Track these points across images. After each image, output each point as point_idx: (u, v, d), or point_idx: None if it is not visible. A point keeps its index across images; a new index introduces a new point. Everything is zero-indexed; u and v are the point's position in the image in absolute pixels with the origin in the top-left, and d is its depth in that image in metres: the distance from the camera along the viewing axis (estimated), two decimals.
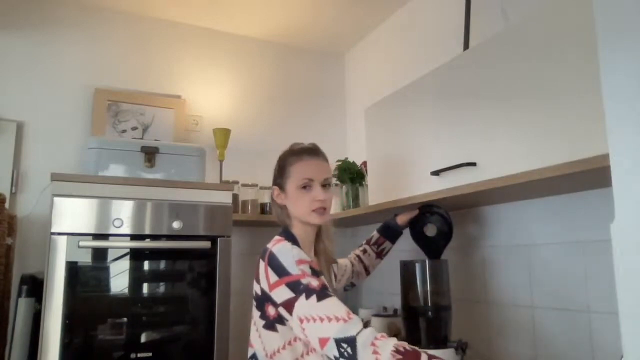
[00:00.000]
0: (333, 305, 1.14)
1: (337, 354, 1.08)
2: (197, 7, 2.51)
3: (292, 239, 1.33)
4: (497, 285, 1.69)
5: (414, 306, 1.55)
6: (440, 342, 1.49)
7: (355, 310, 2.35)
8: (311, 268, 1.22)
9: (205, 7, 2.51)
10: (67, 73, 2.36)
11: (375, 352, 1.05)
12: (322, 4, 2.48)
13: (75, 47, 2.40)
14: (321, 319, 1.12)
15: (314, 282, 1.17)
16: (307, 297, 1.15)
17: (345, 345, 1.07)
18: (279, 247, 1.27)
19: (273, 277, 1.21)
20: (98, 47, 2.45)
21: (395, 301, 2.06)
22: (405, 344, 1.08)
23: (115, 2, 2.45)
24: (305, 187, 1.34)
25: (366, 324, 1.15)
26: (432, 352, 1.10)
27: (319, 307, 1.13)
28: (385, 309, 2.17)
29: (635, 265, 0.69)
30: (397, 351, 1.05)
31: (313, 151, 1.41)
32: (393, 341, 1.08)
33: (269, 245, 1.30)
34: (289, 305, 1.17)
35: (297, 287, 1.17)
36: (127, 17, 2.53)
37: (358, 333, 1.08)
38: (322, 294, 1.15)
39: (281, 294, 1.19)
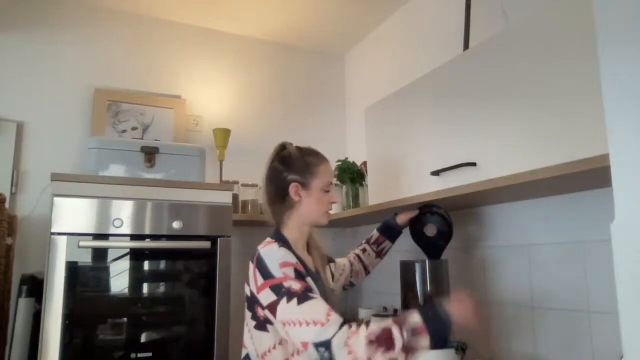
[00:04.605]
0: (312, 308, 1.15)
1: (317, 357, 1.12)
2: (197, 7, 2.51)
3: (283, 241, 1.34)
4: (497, 285, 1.69)
5: (414, 306, 1.55)
6: None
7: (355, 311, 2.35)
8: (296, 271, 1.22)
9: (205, 7, 2.51)
10: (67, 73, 2.36)
11: (350, 352, 1.08)
12: (322, 4, 2.48)
13: (75, 47, 2.40)
14: (300, 323, 1.14)
15: (295, 285, 1.18)
16: (288, 300, 1.17)
17: (322, 349, 1.11)
18: (266, 249, 1.29)
19: (260, 280, 1.24)
20: (98, 47, 2.45)
21: (395, 301, 2.06)
22: (374, 328, 1.10)
23: (115, 2, 2.45)
24: (327, 190, 1.41)
25: (363, 321, 1.16)
26: (398, 317, 1.14)
27: (298, 311, 1.15)
28: (385, 309, 2.17)
29: (635, 265, 0.69)
30: (369, 343, 1.08)
31: (324, 156, 1.46)
32: (363, 334, 1.09)
33: (259, 247, 1.32)
34: (272, 308, 1.20)
35: (279, 290, 1.19)
36: (127, 17, 2.53)
37: (333, 336, 1.10)
38: (302, 296, 1.17)
39: (266, 296, 1.21)
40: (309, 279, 1.25)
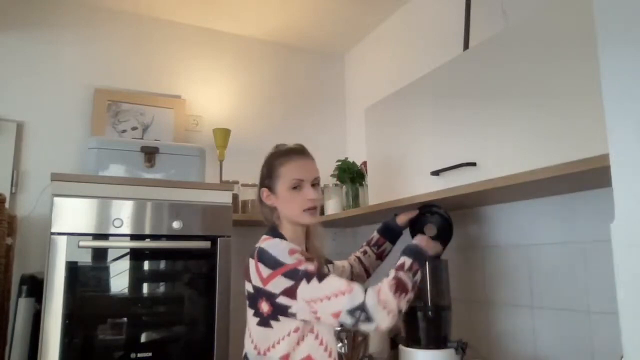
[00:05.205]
0: (334, 282, 1.22)
1: (353, 321, 1.19)
2: (197, 7, 2.51)
3: (281, 237, 1.35)
4: (497, 285, 1.69)
5: (413, 306, 1.55)
6: (440, 342, 1.48)
7: None
8: (303, 256, 1.27)
9: (205, 7, 2.51)
10: (67, 73, 2.36)
11: (385, 307, 1.19)
12: (322, 4, 2.48)
13: (75, 47, 2.40)
14: (328, 297, 1.20)
15: (311, 267, 1.24)
16: (308, 281, 1.21)
17: (358, 313, 1.18)
18: (269, 243, 1.30)
19: (266, 271, 1.25)
20: (98, 47, 2.45)
21: None
22: (389, 282, 1.23)
23: (115, 2, 2.45)
24: (296, 187, 1.36)
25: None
26: (396, 265, 1.31)
27: (322, 288, 1.21)
28: None
29: (635, 265, 0.69)
30: (394, 294, 1.21)
31: (301, 151, 1.42)
32: (386, 289, 1.21)
33: (258, 244, 1.33)
34: (290, 292, 1.22)
35: (295, 275, 1.22)
36: (127, 17, 2.53)
37: (364, 298, 1.19)
38: (320, 275, 1.23)
39: (279, 284, 1.23)
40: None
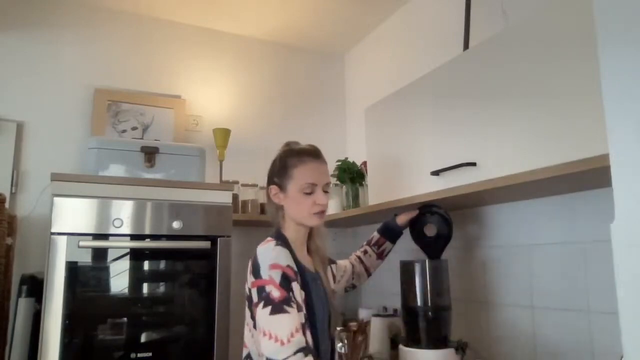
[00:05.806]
0: (280, 322, 1.17)
1: None
2: (197, 7, 2.51)
3: (283, 240, 1.34)
4: (497, 285, 1.69)
5: (414, 306, 1.55)
6: (440, 342, 1.49)
7: (355, 310, 2.36)
8: (283, 275, 1.22)
9: (205, 7, 2.51)
10: (67, 73, 2.36)
11: None
12: (322, 4, 2.48)
13: (75, 47, 2.40)
14: (264, 334, 1.17)
15: (275, 293, 1.19)
16: (264, 306, 1.19)
17: None
18: (263, 248, 1.30)
19: (251, 278, 1.27)
20: (98, 47, 2.45)
21: (395, 301, 2.06)
22: None
23: (115, 2, 2.45)
24: (308, 191, 1.35)
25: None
26: None
27: (267, 321, 1.18)
28: (385, 309, 2.17)
29: (635, 265, 0.69)
30: None
31: (316, 154, 1.40)
32: None
33: (258, 246, 1.33)
34: (255, 307, 1.23)
35: (260, 293, 1.21)
36: (127, 17, 2.53)
37: (284, 359, 1.12)
38: (277, 307, 1.18)
39: (254, 295, 1.24)
40: (295, 285, 1.24)
